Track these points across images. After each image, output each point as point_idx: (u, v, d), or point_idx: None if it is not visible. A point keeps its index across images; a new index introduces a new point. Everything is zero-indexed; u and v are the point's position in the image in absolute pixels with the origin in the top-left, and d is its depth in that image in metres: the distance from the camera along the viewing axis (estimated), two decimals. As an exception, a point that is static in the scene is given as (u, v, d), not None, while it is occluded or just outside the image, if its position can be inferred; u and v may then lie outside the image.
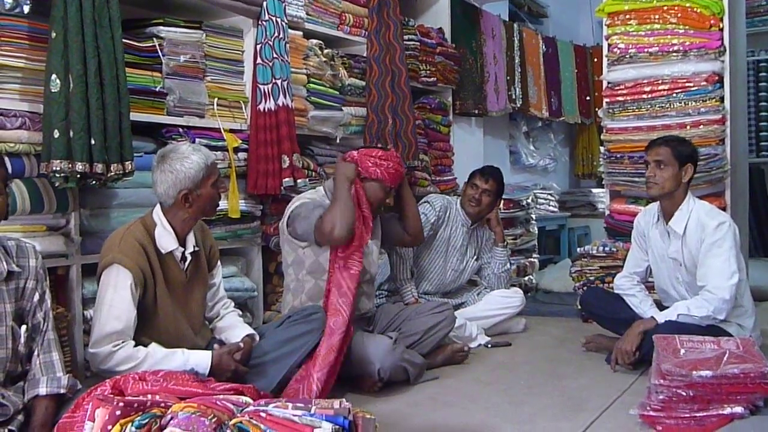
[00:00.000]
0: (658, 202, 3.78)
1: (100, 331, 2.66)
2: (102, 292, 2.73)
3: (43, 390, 2.35)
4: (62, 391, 2.37)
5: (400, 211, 3.85)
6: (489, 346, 4.23)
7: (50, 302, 2.49)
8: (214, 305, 3.16)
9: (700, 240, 3.55)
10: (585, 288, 4.72)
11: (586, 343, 4.09)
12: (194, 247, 2.94)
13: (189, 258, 2.92)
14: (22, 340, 2.37)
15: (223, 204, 3.84)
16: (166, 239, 2.84)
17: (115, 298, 2.69)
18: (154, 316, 2.81)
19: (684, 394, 2.71)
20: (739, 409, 2.69)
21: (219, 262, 3.18)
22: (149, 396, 2.24)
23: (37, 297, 2.43)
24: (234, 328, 3.10)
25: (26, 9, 3.06)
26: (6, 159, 2.99)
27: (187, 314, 2.93)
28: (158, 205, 2.88)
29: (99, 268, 2.78)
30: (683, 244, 3.63)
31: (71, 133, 3.01)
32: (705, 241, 3.53)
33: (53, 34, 3.00)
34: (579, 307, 4.52)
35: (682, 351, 2.90)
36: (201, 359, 2.76)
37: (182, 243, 2.90)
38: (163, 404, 2.16)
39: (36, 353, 2.41)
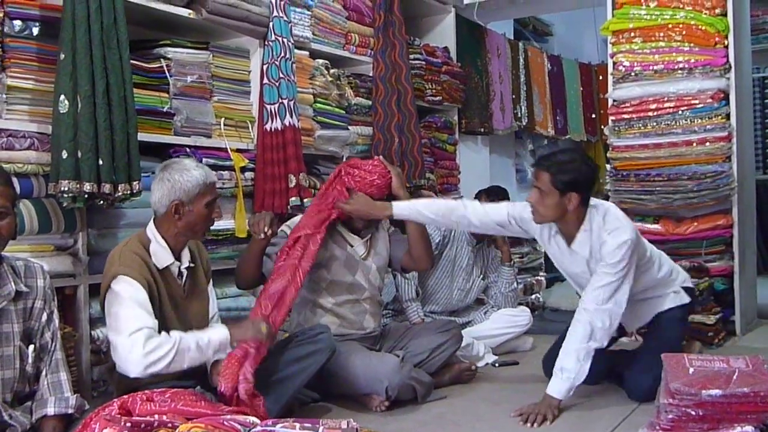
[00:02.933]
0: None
1: (125, 336, 2.59)
2: (113, 308, 2.67)
3: (51, 410, 2.35)
4: (70, 411, 2.37)
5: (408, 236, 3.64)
6: (496, 365, 4.21)
7: (58, 322, 2.50)
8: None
9: (601, 257, 3.25)
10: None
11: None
12: (189, 262, 2.95)
13: (185, 273, 2.93)
14: (30, 360, 2.37)
15: (230, 223, 3.86)
16: (161, 255, 2.84)
17: (129, 304, 2.65)
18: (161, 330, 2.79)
19: (693, 413, 2.68)
20: (749, 429, 2.66)
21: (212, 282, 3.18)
22: (156, 416, 2.24)
23: (45, 317, 2.43)
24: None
25: (35, 31, 3.10)
26: (15, 179, 3.00)
27: (189, 329, 2.92)
28: (151, 221, 2.89)
29: (103, 286, 2.75)
30: (588, 263, 3.36)
31: (79, 154, 3.03)
32: (601, 259, 3.23)
33: (62, 56, 3.03)
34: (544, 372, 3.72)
35: (691, 370, 2.88)
36: (217, 334, 2.79)
37: (177, 258, 2.91)
38: (170, 424, 2.16)
39: (44, 373, 2.42)
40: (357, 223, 3.57)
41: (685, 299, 3.58)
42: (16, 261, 2.41)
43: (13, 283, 2.32)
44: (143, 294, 2.69)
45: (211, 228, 3.70)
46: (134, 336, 2.58)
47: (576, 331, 3.21)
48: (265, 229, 3.25)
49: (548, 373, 3.39)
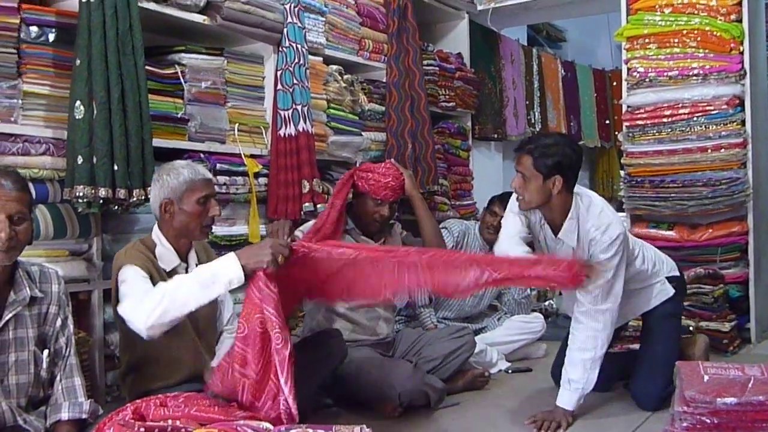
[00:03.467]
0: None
1: (138, 304, 2.50)
2: (123, 290, 2.65)
3: (65, 415, 2.35)
4: (84, 416, 2.38)
5: (421, 232, 3.74)
6: (509, 371, 4.19)
7: (72, 327, 2.51)
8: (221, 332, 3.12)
9: (591, 254, 3.17)
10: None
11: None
12: (197, 264, 2.95)
13: None
14: (45, 365, 2.38)
15: (243, 229, 3.87)
16: (167, 257, 2.85)
17: (137, 280, 2.65)
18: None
19: (708, 421, 2.67)
20: (764, 437, 2.65)
21: None
22: (170, 421, 2.24)
23: (59, 322, 2.44)
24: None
25: (51, 37, 3.13)
26: (30, 185, 3.02)
27: (197, 330, 2.92)
28: (155, 225, 2.90)
29: (113, 284, 2.77)
30: (574, 253, 3.22)
31: (94, 159, 3.04)
32: (594, 256, 3.13)
33: (77, 62, 3.05)
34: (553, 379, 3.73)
35: (706, 377, 2.86)
36: (226, 265, 2.45)
37: (184, 260, 2.91)
38: (183, 429, 2.16)
39: (58, 378, 2.42)
40: (371, 226, 3.58)
41: (670, 291, 3.47)
42: (31, 266, 2.43)
43: (27, 288, 2.33)
44: (146, 276, 2.68)
45: (225, 234, 3.73)
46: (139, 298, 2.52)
47: (577, 339, 3.18)
48: (286, 239, 3.20)
49: (558, 382, 3.36)
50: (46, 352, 2.39)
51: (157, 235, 2.87)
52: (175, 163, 2.92)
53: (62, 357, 2.44)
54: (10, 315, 2.27)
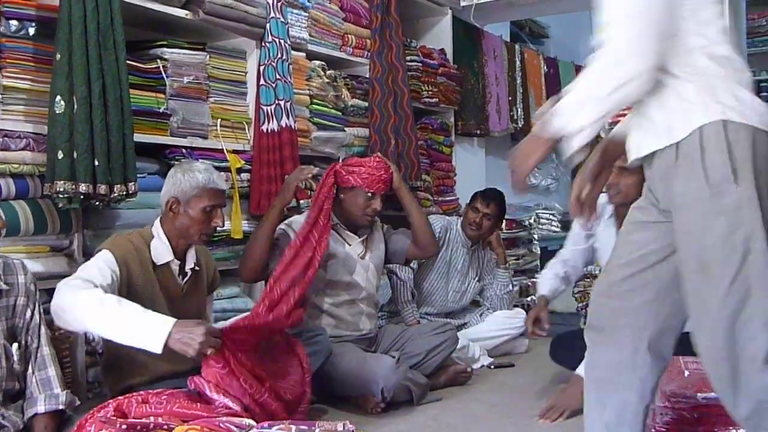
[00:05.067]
0: (606, 197, 3.34)
1: (73, 288, 2.48)
2: (83, 264, 2.68)
3: (41, 408, 2.34)
4: (61, 407, 2.37)
5: (410, 222, 3.85)
6: (492, 367, 4.21)
7: (42, 317, 2.48)
8: None
9: None
10: (556, 339, 3.95)
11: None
12: (195, 264, 2.95)
13: (189, 273, 2.93)
14: (16, 357, 2.36)
15: (226, 224, 3.85)
16: (161, 251, 2.85)
17: (97, 262, 2.64)
18: None
19: (689, 416, 2.68)
20: (744, 432, 2.67)
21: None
22: (152, 418, 2.24)
23: (29, 314, 2.42)
24: None
25: (31, 31, 3.09)
26: (10, 180, 3.00)
27: None
28: (158, 218, 2.92)
29: None
30: None
31: (75, 154, 3.02)
32: None
33: (58, 56, 3.02)
34: (551, 358, 3.86)
35: (687, 372, 2.88)
36: (159, 323, 2.42)
37: (180, 258, 2.90)
38: (165, 426, 2.16)
39: (30, 371, 2.40)
40: (362, 221, 3.61)
41: None
42: None
43: None
44: (114, 266, 2.65)
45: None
46: (77, 279, 2.52)
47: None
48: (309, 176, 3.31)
49: (559, 360, 3.60)
50: (15, 345, 2.36)
51: (156, 228, 2.88)
52: (195, 164, 2.95)
53: (34, 349, 2.42)
54: None
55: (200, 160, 3.60)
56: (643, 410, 2.12)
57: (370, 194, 3.57)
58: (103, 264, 2.64)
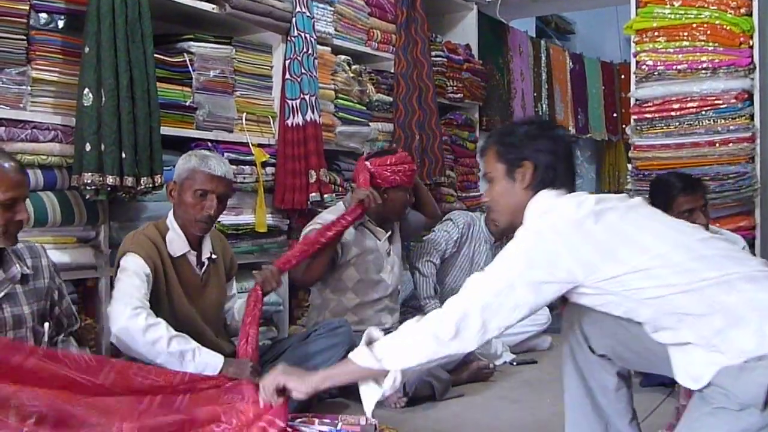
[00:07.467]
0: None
1: (116, 306, 2.63)
2: (119, 276, 2.74)
3: None
4: None
5: (417, 200, 3.96)
6: (514, 363, 4.20)
7: (67, 296, 2.55)
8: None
9: None
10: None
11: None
12: (211, 253, 2.96)
13: (206, 263, 2.94)
14: (46, 338, 2.39)
15: (250, 218, 3.88)
16: (177, 243, 2.87)
17: (132, 275, 2.69)
18: (171, 314, 2.81)
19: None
20: (769, 432, 2.65)
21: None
22: None
23: (56, 295, 2.47)
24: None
25: (60, 24, 3.12)
26: (39, 171, 3.04)
27: (204, 316, 2.94)
28: (171, 210, 2.94)
29: (115, 266, 2.82)
30: None
31: (103, 147, 3.05)
32: None
33: (86, 49, 3.05)
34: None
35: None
36: (212, 359, 2.65)
37: (196, 248, 2.92)
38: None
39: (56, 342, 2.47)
40: (398, 215, 3.66)
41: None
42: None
43: (17, 266, 2.34)
44: (147, 271, 2.72)
45: (231, 223, 3.74)
46: (136, 308, 2.60)
47: None
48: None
49: None
50: (46, 324, 2.40)
51: (170, 219, 2.91)
52: (199, 150, 3.01)
53: (63, 328, 2.48)
54: (2, 294, 2.28)
55: (225, 154, 3.64)
56: None
57: (409, 189, 3.66)
58: (135, 277, 2.69)
